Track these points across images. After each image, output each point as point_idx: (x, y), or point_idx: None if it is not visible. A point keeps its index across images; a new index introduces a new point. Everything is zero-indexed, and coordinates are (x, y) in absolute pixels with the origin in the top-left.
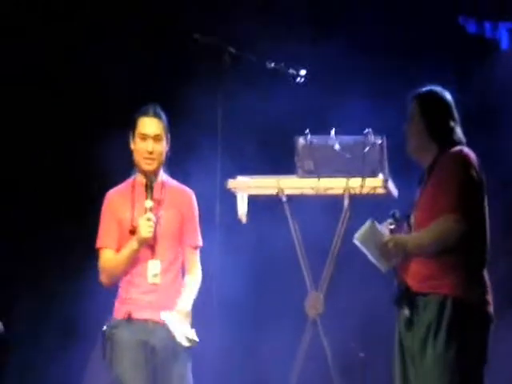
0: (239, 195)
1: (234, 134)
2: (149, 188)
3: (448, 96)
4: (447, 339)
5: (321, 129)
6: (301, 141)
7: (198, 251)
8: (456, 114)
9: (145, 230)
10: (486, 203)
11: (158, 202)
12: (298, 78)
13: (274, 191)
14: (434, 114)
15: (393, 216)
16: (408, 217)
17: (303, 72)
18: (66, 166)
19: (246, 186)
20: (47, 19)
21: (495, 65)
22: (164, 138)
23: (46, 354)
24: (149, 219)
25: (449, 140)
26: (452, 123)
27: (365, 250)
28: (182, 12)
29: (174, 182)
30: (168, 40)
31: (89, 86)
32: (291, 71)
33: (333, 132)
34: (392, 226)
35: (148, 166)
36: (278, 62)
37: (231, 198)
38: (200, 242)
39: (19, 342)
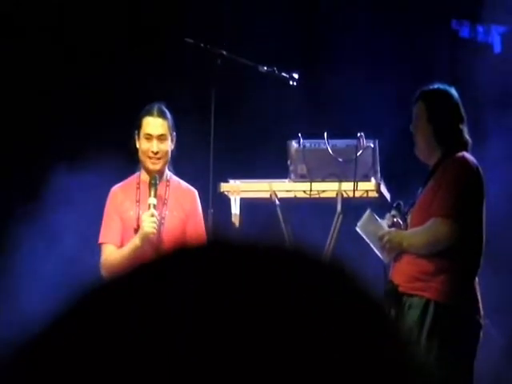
0: (232, 198)
1: (227, 136)
2: (153, 186)
3: (455, 94)
4: (427, 345)
5: (313, 131)
6: (293, 145)
7: None
8: (463, 112)
9: (148, 225)
10: (483, 211)
11: (163, 202)
12: (291, 81)
13: (266, 195)
14: (441, 119)
15: (397, 207)
16: (407, 214)
17: (296, 75)
18: None
19: (238, 190)
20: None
21: (488, 68)
22: (169, 137)
23: None
24: (152, 215)
25: (454, 143)
26: (459, 124)
27: (366, 239)
28: (174, 15)
29: (177, 181)
30: (161, 43)
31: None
32: (284, 75)
33: (325, 136)
34: (395, 219)
35: (153, 165)
36: (271, 66)
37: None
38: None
39: None
